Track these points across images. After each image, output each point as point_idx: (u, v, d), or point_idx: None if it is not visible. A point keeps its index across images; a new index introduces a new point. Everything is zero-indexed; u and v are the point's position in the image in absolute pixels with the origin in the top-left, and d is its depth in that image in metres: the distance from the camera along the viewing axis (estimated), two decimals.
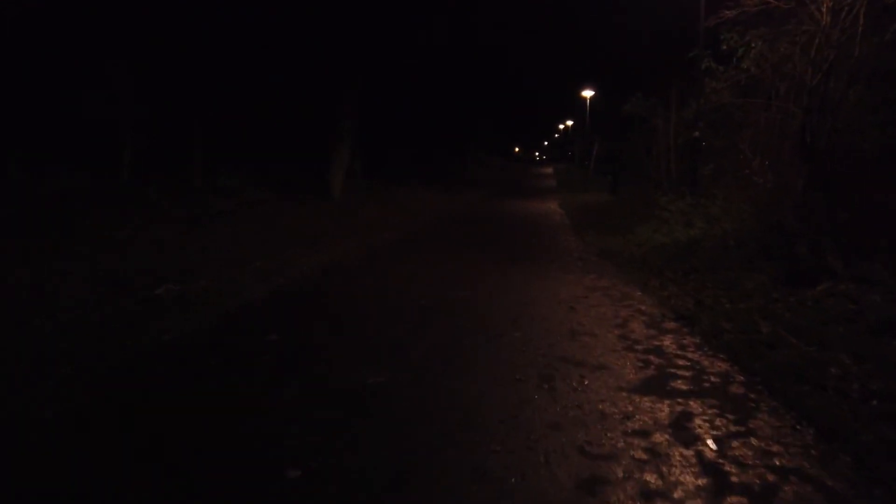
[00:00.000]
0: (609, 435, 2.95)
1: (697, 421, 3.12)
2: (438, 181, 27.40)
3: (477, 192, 25.36)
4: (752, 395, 3.48)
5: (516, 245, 10.04)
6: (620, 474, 2.57)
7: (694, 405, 3.32)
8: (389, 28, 17.09)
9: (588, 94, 24.49)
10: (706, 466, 2.65)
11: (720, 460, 2.70)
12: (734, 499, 2.39)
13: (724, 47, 11.53)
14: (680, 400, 3.40)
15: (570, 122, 53.10)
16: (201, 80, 15.00)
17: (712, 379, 3.76)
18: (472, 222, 14.16)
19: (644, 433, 2.98)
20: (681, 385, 3.65)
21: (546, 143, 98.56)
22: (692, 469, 2.62)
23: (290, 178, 18.88)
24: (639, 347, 4.38)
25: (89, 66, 12.18)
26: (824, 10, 8.12)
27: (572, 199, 20.87)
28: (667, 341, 4.54)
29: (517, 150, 77.87)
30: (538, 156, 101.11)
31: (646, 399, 3.41)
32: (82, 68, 12.17)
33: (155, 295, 6.47)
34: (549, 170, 54.60)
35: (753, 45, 11.46)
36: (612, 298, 5.96)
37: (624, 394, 3.49)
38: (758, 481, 2.52)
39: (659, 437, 2.93)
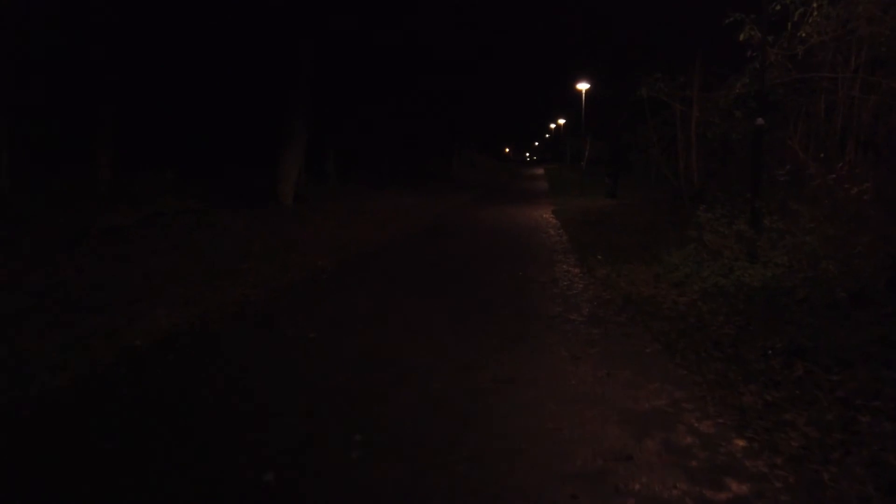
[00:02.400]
0: None
1: None
2: (422, 183, 24.06)
3: (462, 196, 21.97)
4: None
5: (495, 284, 6.66)
6: None
7: None
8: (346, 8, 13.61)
9: (583, 86, 21.13)
10: None
11: None
12: None
13: (777, 7, 8.24)
14: None
15: (562, 121, 49.63)
16: (113, 50, 11.50)
17: None
18: (444, 241, 10.78)
19: None
20: None
21: (536, 143, 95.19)
22: None
23: (240, 182, 15.46)
24: None
25: None
26: None
27: (567, 205, 17.51)
28: None
29: (507, 150, 74.42)
30: (529, 156, 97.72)
31: None
32: None
33: None
34: (540, 171, 51.15)
35: (816, 4, 8.21)
36: (691, 475, 2.57)
37: None
38: None
39: None
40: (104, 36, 11.39)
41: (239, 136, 15.34)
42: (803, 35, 8.50)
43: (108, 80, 11.59)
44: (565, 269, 7.34)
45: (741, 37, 8.89)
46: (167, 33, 12.26)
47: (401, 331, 4.72)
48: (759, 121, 6.13)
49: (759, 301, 5.06)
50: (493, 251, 9.14)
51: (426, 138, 30.43)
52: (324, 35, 13.19)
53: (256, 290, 6.46)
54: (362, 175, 22.67)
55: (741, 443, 2.81)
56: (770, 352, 4.16)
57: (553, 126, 62.82)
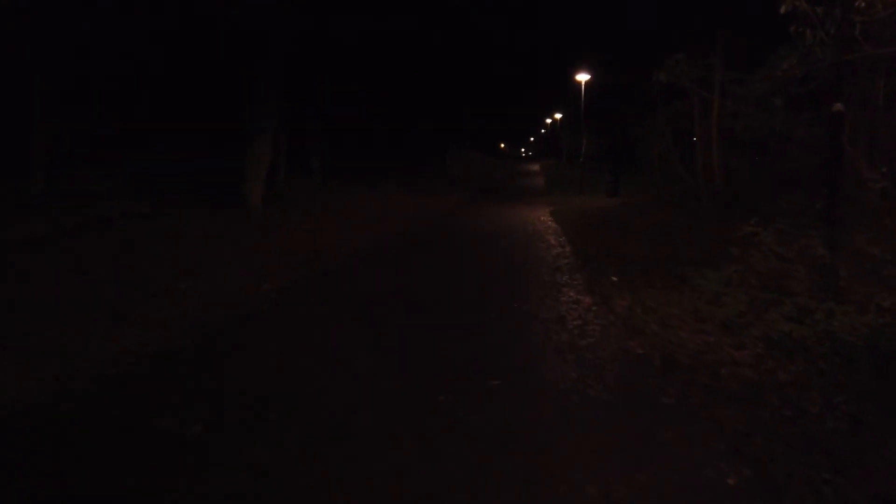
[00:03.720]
0: None
1: None
2: (413, 180, 22.28)
3: (454, 194, 20.25)
4: None
5: (481, 327, 4.97)
6: None
7: None
8: None
9: (584, 77, 19.38)
10: None
11: None
12: None
13: None
14: None
15: (558, 116, 47.76)
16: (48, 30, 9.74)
17: None
18: (425, 253, 9.09)
19: None
20: None
21: (532, 138, 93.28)
22: None
23: (205, 182, 13.70)
24: None
25: None
26: None
27: (567, 205, 15.83)
28: None
29: (503, 146, 72.53)
30: (524, 152, 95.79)
31: None
32: None
33: None
34: (536, 167, 49.36)
35: None
36: None
37: None
38: None
39: None
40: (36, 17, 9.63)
41: (203, 130, 13.57)
42: (862, 5, 6.82)
43: (41, 65, 9.82)
44: (573, 297, 5.63)
45: (782, 9, 7.17)
46: (113, 12, 10.49)
47: (332, 427, 3.01)
48: (838, 106, 4.45)
49: (866, 368, 3.38)
50: (483, 270, 7.44)
51: (418, 134, 28.69)
52: (296, 18, 11.42)
53: (164, 331, 4.76)
54: (350, 172, 20.94)
55: None
56: None
57: (549, 121, 60.97)
